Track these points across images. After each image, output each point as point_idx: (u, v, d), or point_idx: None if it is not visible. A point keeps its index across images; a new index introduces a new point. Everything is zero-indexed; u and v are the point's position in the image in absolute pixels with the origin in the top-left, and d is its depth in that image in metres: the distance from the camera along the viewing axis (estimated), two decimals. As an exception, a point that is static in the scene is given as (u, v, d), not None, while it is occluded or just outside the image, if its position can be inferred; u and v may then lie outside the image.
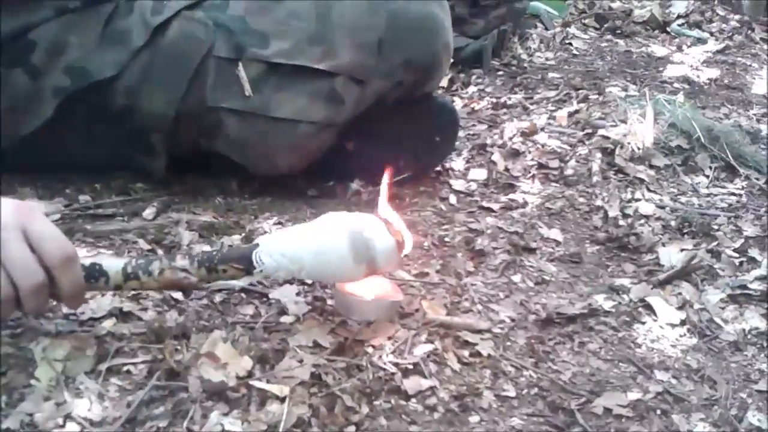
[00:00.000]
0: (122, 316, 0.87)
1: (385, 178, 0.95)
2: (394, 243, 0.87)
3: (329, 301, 0.96)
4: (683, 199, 1.47)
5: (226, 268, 0.85)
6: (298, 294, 0.97)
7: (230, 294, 0.95)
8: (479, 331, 0.96)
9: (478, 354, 0.92)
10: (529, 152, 1.54)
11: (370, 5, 1.22)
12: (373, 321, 0.92)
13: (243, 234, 1.11)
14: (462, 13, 2.20)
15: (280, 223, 1.17)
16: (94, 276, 0.81)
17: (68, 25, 1.16)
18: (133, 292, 0.90)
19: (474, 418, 0.82)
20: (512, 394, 0.87)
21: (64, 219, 1.10)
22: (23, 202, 0.76)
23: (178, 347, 0.82)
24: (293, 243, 0.86)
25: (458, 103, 1.88)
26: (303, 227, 0.90)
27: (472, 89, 2.00)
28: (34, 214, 0.75)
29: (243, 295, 0.96)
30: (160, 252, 1.03)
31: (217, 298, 0.94)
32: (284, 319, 0.91)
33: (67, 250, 0.76)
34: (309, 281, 0.99)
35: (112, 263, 0.82)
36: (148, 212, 1.14)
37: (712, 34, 2.74)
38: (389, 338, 0.90)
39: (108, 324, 0.85)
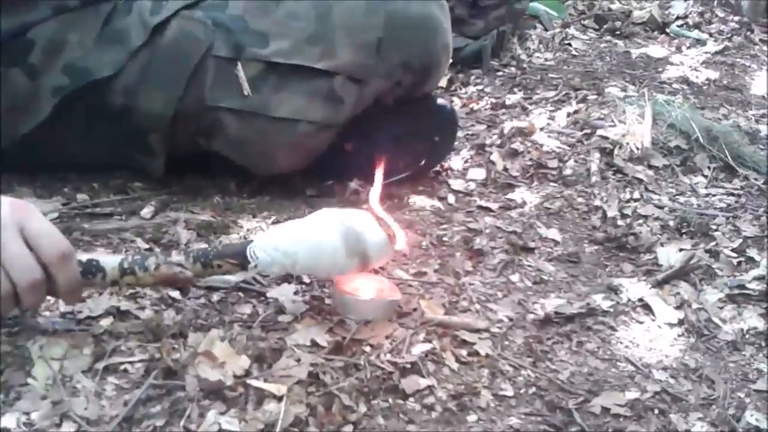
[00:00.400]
0: (119, 314, 0.87)
1: (379, 176, 0.95)
2: (386, 237, 0.88)
3: (327, 300, 0.96)
4: (682, 199, 1.47)
5: (221, 263, 0.86)
6: (295, 293, 0.97)
7: (228, 293, 0.95)
8: (477, 331, 0.96)
9: (476, 353, 0.92)
10: (528, 152, 1.54)
11: (369, 5, 1.22)
12: (371, 320, 0.92)
13: (241, 233, 1.11)
14: (461, 13, 2.21)
15: (278, 222, 1.17)
16: (91, 272, 0.81)
17: (67, 24, 1.16)
18: (130, 291, 0.90)
19: (472, 418, 0.82)
20: (510, 393, 0.87)
21: (62, 218, 1.10)
22: (19, 200, 0.77)
23: (176, 346, 0.82)
24: (287, 238, 0.87)
25: (457, 103, 1.88)
26: (296, 223, 0.90)
27: (471, 89, 2.00)
28: (30, 212, 0.76)
29: (240, 294, 0.96)
30: (157, 251, 1.03)
31: (215, 297, 0.94)
32: (282, 318, 0.91)
33: (64, 247, 0.76)
34: (306, 279, 1.00)
35: (109, 259, 0.83)
36: (146, 211, 1.14)
37: (711, 35, 2.74)
38: (387, 337, 0.90)
39: (105, 323, 0.84)
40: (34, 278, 0.74)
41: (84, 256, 0.82)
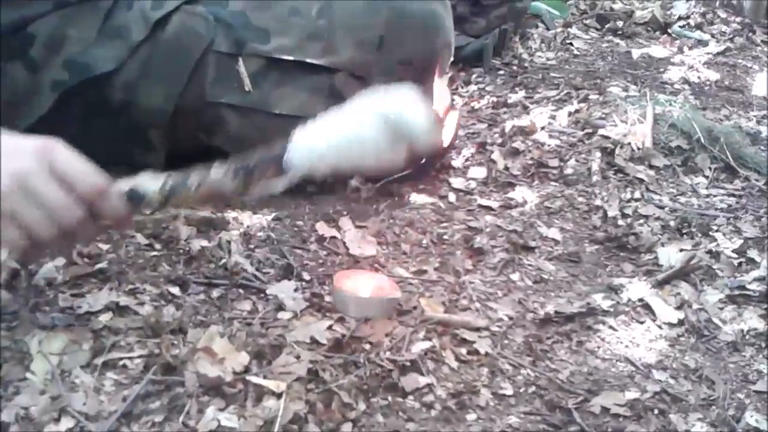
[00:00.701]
0: (119, 310, 0.87)
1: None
2: (432, 118, 0.80)
3: (327, 298, 0.96)
4: (682, 199, 1.46)
5: (262, 174, 0.81)
6: (296, 290, 0.96)
7: (228, 289, 0.95)
8: (477, 329, 0.96)
9: (476, 352, 0.92)
10: (529, 151, 1.54)
11: (371, 3, 1.22)
12: (370, 318, 0.92)
13: (241, 230, 1.11)
14: (463, 11, 2.20)
15: (278, 219, 1.16)
16: (134, 199, 0.80)
17: (67, 19, 1.16)
18: (129, 287, 0.90)
19: (471, 416, 0.82)
20: (510, 392, 0.87)
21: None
22: (43, 142, 0.76)
23: (175, 342, 0.82)
24: (323, 139, 0.80)
25: (458, 102, 1.88)
26: (334, 117, 0.82)
27: (472, 88, 1.99)
28: (56, 152, 0.76)
29: (240, 290, 0.96)
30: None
31: (215, 293, 0.94)
32: (282, 315, 0.91)
33: (99, 182, 0.77)
34: (306, 276, 0.99)
35: (150, 184, 0.81)
36: (146, 207, 1.14)
37: (713, 35, 2.74)
38: (387, 335, 0.90)
39: (104, 318, 0.84)
40: (78, 218, 0.75)
41: (126, 185, 0.80)
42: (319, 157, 0.80)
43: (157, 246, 1.02)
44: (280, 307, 0.93)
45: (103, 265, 0.93)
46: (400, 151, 0.79)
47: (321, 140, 0.80)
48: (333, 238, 1.12)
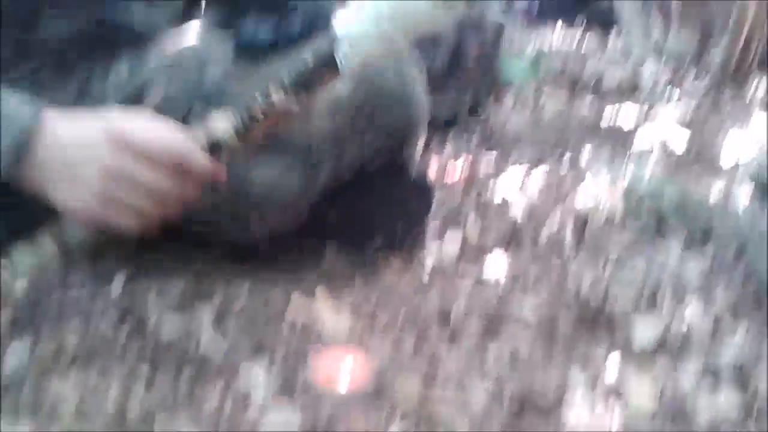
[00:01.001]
0: (85, 397, 0.84)
1: None
2: None
3: (300, 379, 0.94)
4: (656, 268, 1.47)
5: (321, 82, 0.86)
6: (268, 371, 0.95)
7: (198, 371, 0.93)
8: (454, 411, 0.95)
9: (453, 436, 0.90)
10: (503, 220, 1.54)
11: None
12: (345, 404, 0.91)
13: (215, 303, 1.09)
14: (437, 74, 2.22)
15: (252, 291, 1.15)
16: (216, 150, 0.86)
17: (42, 86, 1.15)
18: (97, 372, 0.88)
19: None
20: (487, 481, 0.86)
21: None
22: (109, 127, 0.82)
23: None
24: (373, 21, 0.85)
25: (433, 164, 1.88)
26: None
27: (446, 151, 2.00)
28: (127, 133, 0.81)
29: (211, 372, 0.94)
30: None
31: (185, 375, 0.92)
32: (254, 398, 0.89)
33: (177, 151, 0.83)
34: (279, 357, 0.98)
35: (223, 130, 0.86)
36: (117, 281, 1.12)
37: (682, 97, 2.78)
38: (362, 421, 0.89)
39: (70, 406, 0.82)
40: (174, 185, 0.82)
41: (202, 137, 0.86)
42: (372, 45, 0.82)
43: (126, 328, 1.00)
44: (251, 391, 0.91)
45: (70, 349, 0.91)
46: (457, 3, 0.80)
47: (368, 26, 0.82)
48: (307, 311, 1.11)
